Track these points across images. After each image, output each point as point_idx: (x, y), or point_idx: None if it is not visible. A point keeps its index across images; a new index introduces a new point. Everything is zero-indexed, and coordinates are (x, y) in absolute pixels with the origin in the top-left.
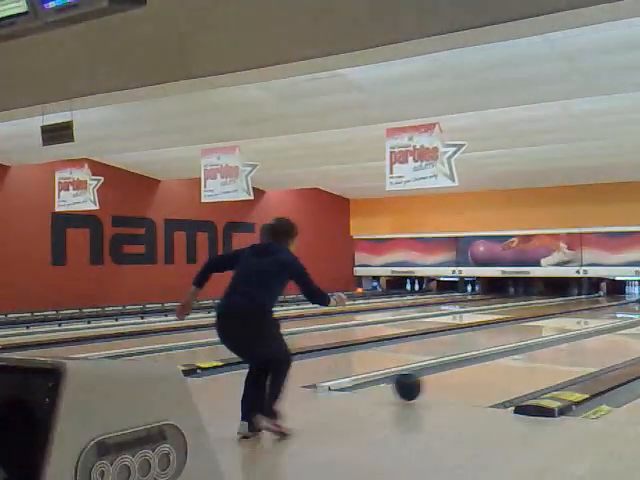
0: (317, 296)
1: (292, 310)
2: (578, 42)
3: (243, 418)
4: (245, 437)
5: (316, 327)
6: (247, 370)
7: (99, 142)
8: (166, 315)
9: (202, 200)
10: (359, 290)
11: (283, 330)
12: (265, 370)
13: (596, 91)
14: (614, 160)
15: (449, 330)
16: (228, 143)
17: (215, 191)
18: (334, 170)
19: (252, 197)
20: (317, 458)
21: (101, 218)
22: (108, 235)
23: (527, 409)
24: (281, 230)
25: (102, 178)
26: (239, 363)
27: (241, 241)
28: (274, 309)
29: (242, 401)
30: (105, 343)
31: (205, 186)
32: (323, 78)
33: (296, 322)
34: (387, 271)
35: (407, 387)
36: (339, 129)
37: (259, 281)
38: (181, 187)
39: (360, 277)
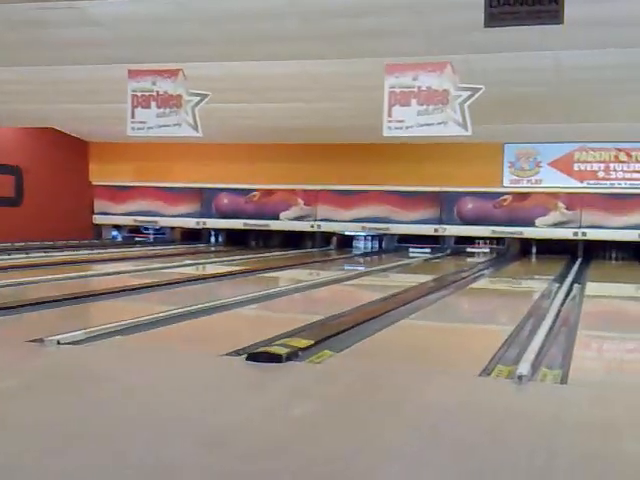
0: None
1: (21, 259)
2: (314, 3)
3: None
4: None
5: (49, 278)
6: None
7: None
8: None
9: None
10: None
11: (10, 281)
12: None
13: (330, 54)
14: (350, 122)
15: (191, 281)
16: None
17: None
18: (72, 109)
19: None
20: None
21: None
22: None
23: (257, 356)
24: None
25: None
26: None
27: None
28: None
29: None
30: None
31: None
32: (58, 9)
33: (25, 272)
34: (129, 220)
35: None
36: (78, 65)
37: None
38: None
39: (100, 226)
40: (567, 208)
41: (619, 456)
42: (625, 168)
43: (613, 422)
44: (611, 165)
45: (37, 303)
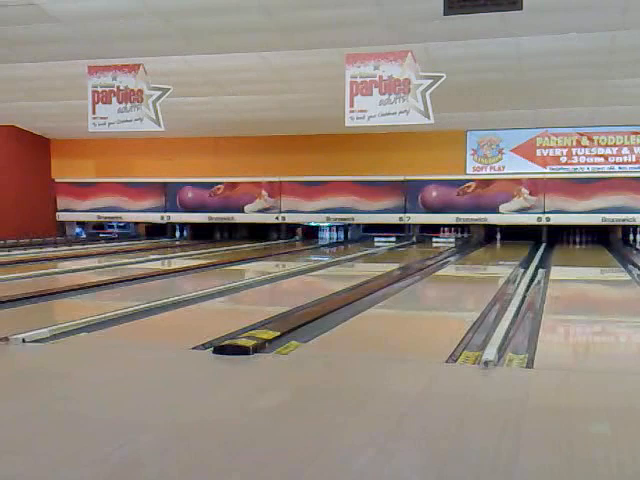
0: None
1: None
2: None
3: None
4: None
5: (13, 276)
6: None
7: None
8: None
9: None
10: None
11: None
12: None
13: (292, 45)
14: (312, 113)
15: (156, 276)
16: None
17: None
18: (32, 107)
19: None
20: None
21: None
22: None
23: (224, 349)
24: None
25: None
26: None
27: None
28: None
29: None
30: None
31: None
32: (17, 5)
33: None
34: (93, 216)
35: None
36: (37, 62)
37: None
38: None
39: (63, 223)
40: (530, 194)
41: (585, 440)
42: (587, 152)
43: (579, 406)
44: (573, 150)
45: (1, 302)
